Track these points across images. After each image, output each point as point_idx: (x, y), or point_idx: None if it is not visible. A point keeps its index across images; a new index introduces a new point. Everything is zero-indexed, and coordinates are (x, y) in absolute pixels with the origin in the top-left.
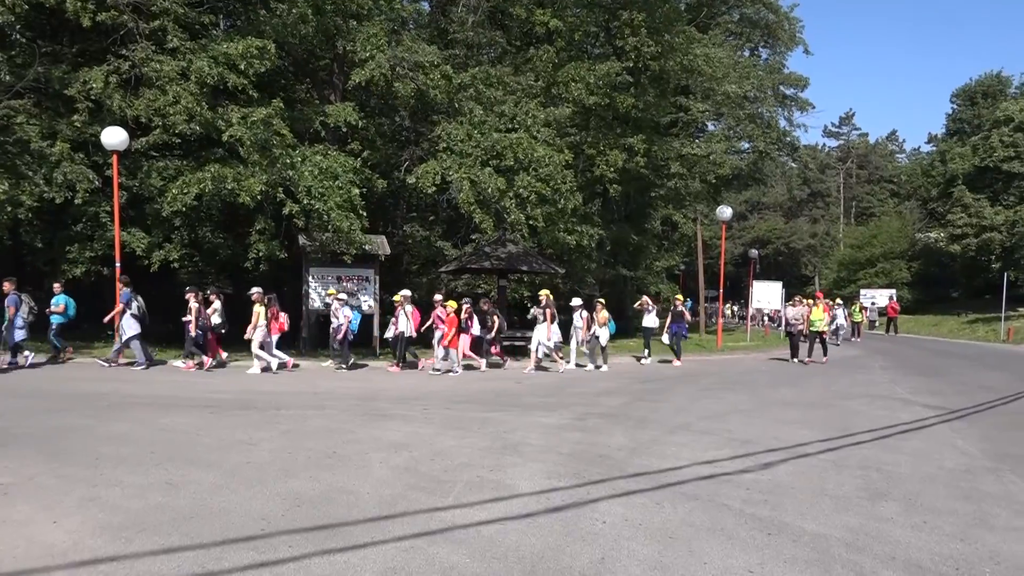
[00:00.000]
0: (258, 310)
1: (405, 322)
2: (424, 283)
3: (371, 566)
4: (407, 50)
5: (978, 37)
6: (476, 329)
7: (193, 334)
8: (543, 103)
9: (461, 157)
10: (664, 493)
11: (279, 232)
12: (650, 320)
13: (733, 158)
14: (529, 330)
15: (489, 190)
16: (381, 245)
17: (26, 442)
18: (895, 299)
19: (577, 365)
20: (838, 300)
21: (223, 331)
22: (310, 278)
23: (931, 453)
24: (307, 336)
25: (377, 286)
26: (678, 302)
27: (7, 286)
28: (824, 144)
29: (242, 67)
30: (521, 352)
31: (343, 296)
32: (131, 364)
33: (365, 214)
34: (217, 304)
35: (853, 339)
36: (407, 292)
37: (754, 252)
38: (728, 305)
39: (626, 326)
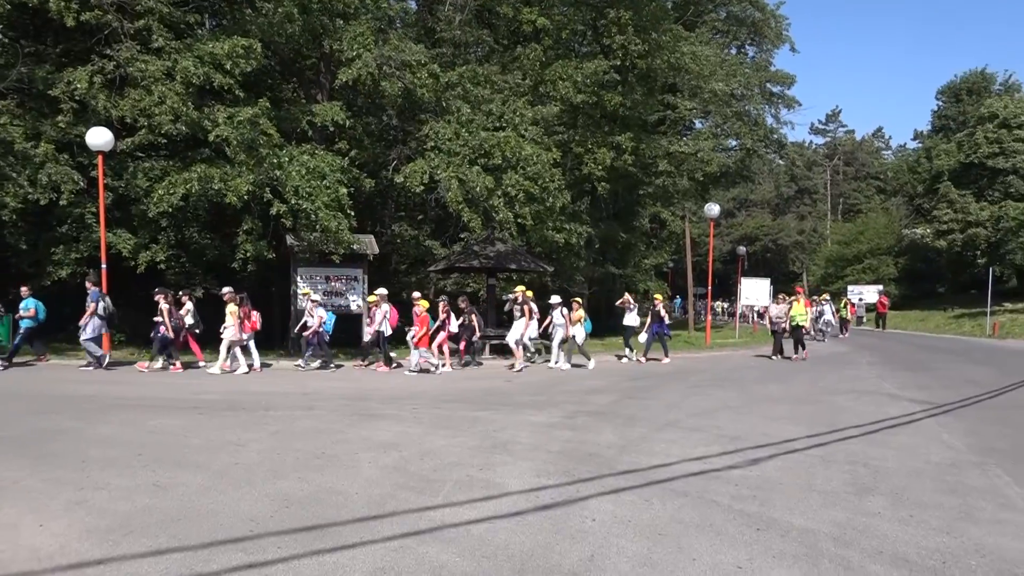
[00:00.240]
0: (231, 309)
1: (382, 321)
2: (413, 282)
3: (360, 566)
4: (394, 49)
5: (963, 34)
6: (454, 327)
7: (164, 335)
8: (531, 101)
9: (449, 156)
10: (653, 490)
11: (267, 232)
12: (631, 319)
13: (720, 156)
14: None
15: (477, 189)
16: (369, 245)
17: (11, 445)
18: (884, 294)
19: (554, 363)
20: (825, 296)
21: (197, 331)
22: (298, 278)
23: (918, 448)
24: (295, 336)
25: (366, 286)
26: (657, 302)
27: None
28: (811, 141)
29: (228, 67)
30: (508, 350)
31: (316, 297)
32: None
33: (353, 214)
34: (190, 305)
35: (842, 335)
36: (383, 291)
37: (742, 249)
38: (719, 302)
39: (616, 324)
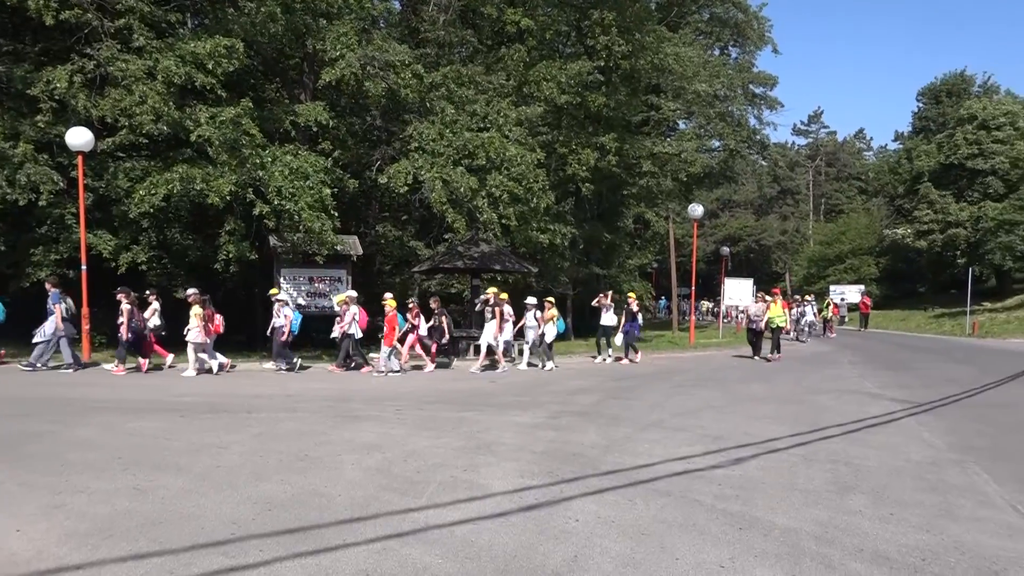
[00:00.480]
0: (196, 311)
1: (351, 323)
2: (397, 283)
3: (344, 568)
4: (378, 49)
5: (944, 37)
6: (423, 329)
7: (125, 337)
8: (515, 102)
9: (433, 156)
10: (637, 490)
11: (249, 233)
12: (608, 318)
13: (704, 156)
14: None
15: (461, 189)
16: (353, 245)
17: None
18: (867, 295)
19: (529, 364)
20: (807, 296)
21: (163, 333)
22: (281, 279)
23: (898, 446)
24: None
25: (349, 287)
26: (631, 301)
27: None
28: (793, 142)
29: (210, 66)
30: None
31: (283, 297)
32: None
33: (337, 214)
34: (156, 305)
35: (825, 335)
36: (352, 293)
37: (725, 249)
38: (704, 302)
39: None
